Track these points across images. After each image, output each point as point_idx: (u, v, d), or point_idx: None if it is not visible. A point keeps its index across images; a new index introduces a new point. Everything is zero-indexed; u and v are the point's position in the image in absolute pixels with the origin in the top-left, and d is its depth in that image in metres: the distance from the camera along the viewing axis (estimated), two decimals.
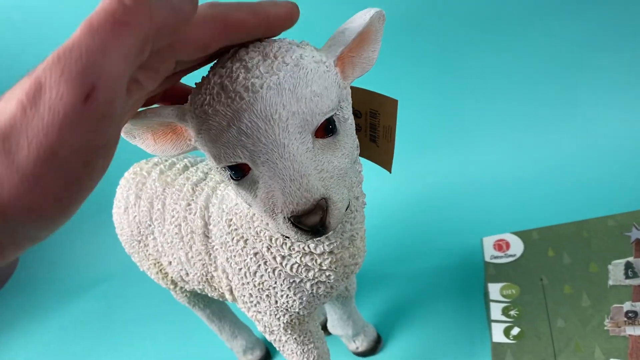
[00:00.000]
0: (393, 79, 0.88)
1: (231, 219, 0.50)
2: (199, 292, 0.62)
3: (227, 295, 0.56)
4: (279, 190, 0.33)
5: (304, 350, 0.56)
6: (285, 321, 0.53)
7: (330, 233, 0.43)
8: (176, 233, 0.56)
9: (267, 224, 0.45)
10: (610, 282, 0.62)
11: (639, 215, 0.68)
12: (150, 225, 0.60)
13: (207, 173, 0.57)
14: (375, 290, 0.80)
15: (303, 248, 0.46)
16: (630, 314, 0.58)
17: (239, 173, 0.34)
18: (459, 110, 0.90)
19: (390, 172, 0.47)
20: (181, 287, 0.67)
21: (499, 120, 0.89)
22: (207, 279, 0.57)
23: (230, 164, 0.34)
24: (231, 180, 0.35)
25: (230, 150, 0.32)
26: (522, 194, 0.83)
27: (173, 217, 0.57)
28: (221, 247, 0.52)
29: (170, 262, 0.59)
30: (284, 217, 0.33)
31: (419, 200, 0.92)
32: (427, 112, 0.91)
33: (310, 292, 0.49)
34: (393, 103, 0.42)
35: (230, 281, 0.53)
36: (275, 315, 0.52)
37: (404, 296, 0.78)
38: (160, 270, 0.63)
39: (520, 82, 0.86)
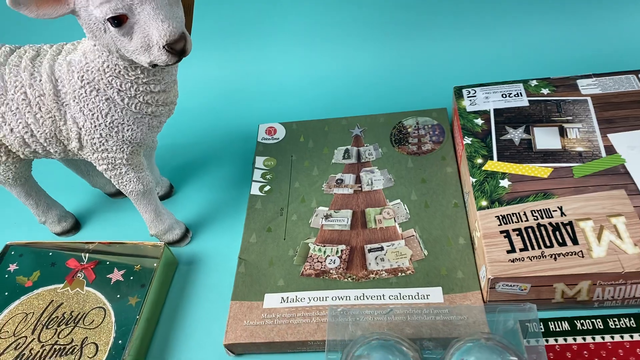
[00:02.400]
0: None
1: (82, 75, 0.63)
2: (39, 152, 0.71)
3: (74, 144, 0.68)
4: (155, 28, 0.54)
5: (140, 177, 0.75)
6: (128, 152, 0.70)
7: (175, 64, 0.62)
8: (23, 99, 0.65)
9: (127, 66, 0.61)
10: (333, 161, 0.93)
11: (362, 118, 0.99)
12: None
13: (37, 51, 0.67)
14: (173, 156, 1.03)
15: (145, 89, 0.64)
16: (338, 181, 0.90)
17: (119, 22, 0.54)
18: (258, 16, 1.08)
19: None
20: (13, 159, 0.74)
21: (289, 32, 1.10)
22: (55, 133, 0.68)
23: (113, 15, 0.53)
24: (111, 28, 0.54)
25: (113, 4, 0.52)
26: (292, 95, 1.09)
27: (16, 87, 0.65)
28: (73, 101, 0.64)
29: (12, 129, 0.68)
30: (159, 47, 0.55)
31: (217, 87, 1.13)
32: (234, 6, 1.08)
33: (147, 124, 0.69)
34: None
35: (81, 129, 0.67)
36: (121, 148, 0.69)
37: (197, 160, 1.01)
38: None
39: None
